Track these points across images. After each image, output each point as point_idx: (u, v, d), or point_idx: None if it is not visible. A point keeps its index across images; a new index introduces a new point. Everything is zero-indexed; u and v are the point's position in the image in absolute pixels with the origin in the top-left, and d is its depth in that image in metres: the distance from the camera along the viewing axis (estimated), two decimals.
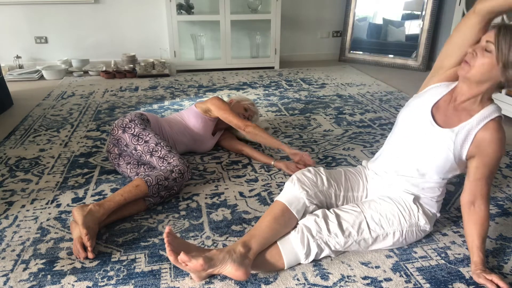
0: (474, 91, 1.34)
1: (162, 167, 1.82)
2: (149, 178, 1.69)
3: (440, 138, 1.40)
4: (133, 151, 1.93)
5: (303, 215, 1.46)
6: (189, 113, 2.22)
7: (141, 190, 1.66)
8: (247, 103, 2.35)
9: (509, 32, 1.23)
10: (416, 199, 1.48)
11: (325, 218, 1.41)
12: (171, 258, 1.26)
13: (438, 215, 1.53)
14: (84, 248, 1.44)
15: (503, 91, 2.80)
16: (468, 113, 1.38)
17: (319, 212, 1.44)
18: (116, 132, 1.97)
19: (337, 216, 1.42)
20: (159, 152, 1.86)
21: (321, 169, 1.57)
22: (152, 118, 2.09)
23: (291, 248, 1.38)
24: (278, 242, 1.39)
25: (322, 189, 1.51)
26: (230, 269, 1.28)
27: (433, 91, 1.47)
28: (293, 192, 1.47)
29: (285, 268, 1.38)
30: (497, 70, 1.26)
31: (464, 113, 1.38)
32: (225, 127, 2.38)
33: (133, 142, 1.91)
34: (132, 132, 1.92)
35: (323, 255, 1.41)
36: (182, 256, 1.23)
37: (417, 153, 1.46)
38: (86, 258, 1.44)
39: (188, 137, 2.20)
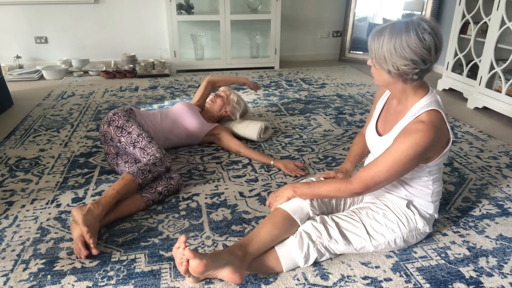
0: (395, 92, 1.37)
1: (144, 159, 1.88)
2: (132, 168, 1.76)
3: (383, 146, 1.39)
4: (118, 144, 1.98)
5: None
6: (172, 106, 2.44)
7: (127, 179, 1.69)
8: (222, 90, 2.52)
9: (376, 35, 1.26)
10: (410, 203, 1.47)
11: (324, 223, 1.41)
12: (182, 269, 1.24)
13: (436, 216, 1.52)
14: (86, 247, 1.45)
15: (503, 90, 2.81)
16: (402, 113, 1.38)
17: (317, 218, 1.44)
18: (103, 127, 2.03)
19: (337, 224, 1.42)
20: (140, 143, 1.91)
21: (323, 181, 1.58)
22: (136, 109, 2.18)
23: (289, 254, 1.37)
24: (276, 247, 1.38)
25: (324, 200, 1.51)
26: (226, 272, 1.27)
27: (378, 105, 1.56)
28: (297, 201, 1.46)
29: (284, 271, 1.38)
30: (383, 73, 1.30)
31: (399, 115, 1.39)
32: (217, 117, 2.47)
33: (117, 134, 1.96)
34: (116, 124, 1.99)
35: (323, 259, 1.41)
36: (187, 253, 1.21)
37: None
38: (87, 257, 1.44)
39: (171, 119, 2.25)
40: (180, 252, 1.22)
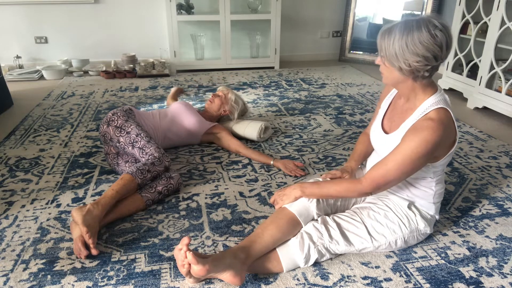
0: (403, 90, 1.36)
1: (143, 159, 1.88)
2: (131, 168, 1.76)
3: (389, 144, 1.39)
4: (117, 144, 1.99)
5: None
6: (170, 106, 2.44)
7: (126, 179, 1.70)
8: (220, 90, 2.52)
9: (386, 32, 1.26)
10: (411, 204, 1.47)
11: (325, 224, 1.41)
12: (183, 271, 1.24)
13: (437, 217, 1.52)
14: (86, 247, 1.45)
15: (503, 90, 2.81)
16: (410, 111, 1.38)
17: (318, 218, 1.44)
18: (102, 128, 2.04)
19: (338, 225, 1.42)
20: (139, 143, 1.92)
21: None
22: (136, 109, 2.19)
23: (290, 254, 1.37)
24: (277, 249, 1.38)
25: (330, 202, 1.51)
26: (228, 275, 1.28)
27: (384, 103, 1.54)
28: (303, 202, 1.45)
29: (284, 272, 1.38)
30: (393, 71, 1.29)
31: (407, 112, 1.39)
32: (216, 117, 2.47)
33: (116, 134, 1.97)
34: (115, 124, 2.00)
35: (323, 259, 1.41)
36: (190, 258, 1.21)
37: None
38: (87, 257, 1.44)
39: (170, 118, 2.27)
40: (182, 255, 1.22)
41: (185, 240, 1.22)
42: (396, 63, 1.26)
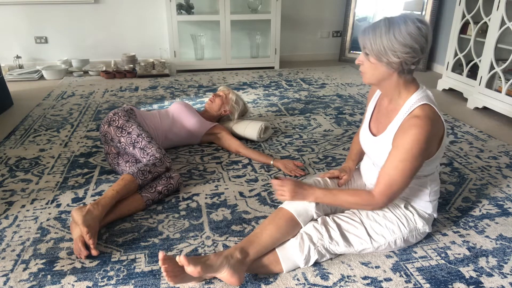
0: (387, 88, 1.36)
1: (144, 159, 1.88)
2: (132, 169, 1.76)
3: (378, 146, 1.40)
4: (118, 144, 1.99)
5: None
6: (170, 106, 2.44)
7: (127, 179, 1.69)
8: (221, 90, 2.51)
9: (371, 29, 1.27)
10: (408, 204, 1.47)
11: (325, 225, 1.41)
12: (171, 283, 1.26)
13: (435, 215, 1.52)
14: (86, 247, 1.45)
15: (503, 90, 2.81)
16: (394, 112, 1.38)
17: (318, 218, 1.44)
18: (103, 128, 2.04)
19: (338, 226, 1.42)
20: (140, 143, 1.92)
21: (328, 181, 1.57)
22: (137, 110, 2.19)
23: (289, 255, 1.37)
24: (276, 249, 1.38)
25: None
26: (225, 274, 1.28)
27: (370, 106, 1.55)
28: (303, 202, 1.44)
29: (284, 272, 1.38)
30: (379, 67, 1.29)
31: (392, 113, 1.39)
32: (216, 117, 2.46)
33: (117, 134, 1.97)
34: (116, 124, 2.00)
35: (323, 259, 1.42)
36: (182, 259, 1.21)
37: (375, 165, 1.49)
38: (88, 257, 1.44)
39: (170, 118, 2.27)
40: (162, 268, 1.24)
41: (160, 255, 1.24)
42: (385, 57, 1.26)
